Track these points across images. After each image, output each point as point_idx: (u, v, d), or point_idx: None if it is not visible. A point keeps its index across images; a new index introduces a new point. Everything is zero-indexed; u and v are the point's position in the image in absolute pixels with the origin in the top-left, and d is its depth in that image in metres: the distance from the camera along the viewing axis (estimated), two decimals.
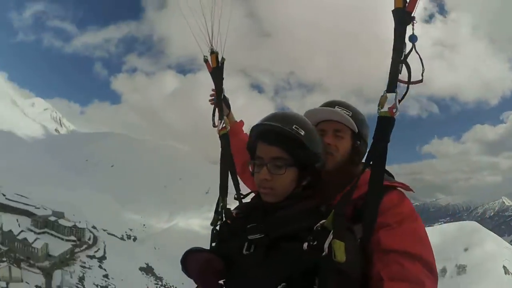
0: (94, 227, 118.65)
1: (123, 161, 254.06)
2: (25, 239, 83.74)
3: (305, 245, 1.40)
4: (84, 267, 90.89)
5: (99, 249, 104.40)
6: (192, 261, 1.70)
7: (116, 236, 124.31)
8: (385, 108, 1.56)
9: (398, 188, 1.77)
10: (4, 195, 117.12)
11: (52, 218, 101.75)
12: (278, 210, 1.59)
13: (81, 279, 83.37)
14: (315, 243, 1.39)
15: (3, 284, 67.26)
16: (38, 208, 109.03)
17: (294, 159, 1.56)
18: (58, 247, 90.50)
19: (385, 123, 1.56)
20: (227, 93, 2.40)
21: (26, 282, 70.27)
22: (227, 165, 2.20)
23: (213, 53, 2.30)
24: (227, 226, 1.86)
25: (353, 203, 1.64)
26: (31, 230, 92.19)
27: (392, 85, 1.55)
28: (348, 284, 1.37)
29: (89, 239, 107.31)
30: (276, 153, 1.56)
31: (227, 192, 2.13)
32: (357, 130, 1.91)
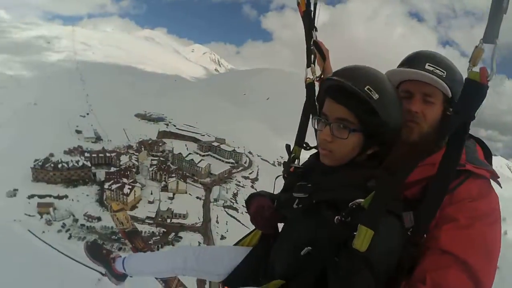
0: (250, 153, 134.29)
1: (277, 94, 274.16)
2: (192, 160, 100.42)
3: (337, 218, 1.39)
4: (238, 185, 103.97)
5: (252, 171, 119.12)
6: (251, 204, 1.99)
7: (268, 162, 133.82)
8: (477, 68, 1.32)
9: (486, 178, 1.56)
10: (174, 126, 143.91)
11: (215, 144, 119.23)
12: (332, 174, 1.55)
13: (235, 195, 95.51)
14: (347, 219, 1.36)
15: (170, 194, 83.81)
16: (203, 135, 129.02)
17: (360, 124, 1.46)
18: (219, 167, 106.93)
19: (473, 89, 1.34)
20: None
21: (189, 194, 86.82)
22: (307, 116, 2.11)
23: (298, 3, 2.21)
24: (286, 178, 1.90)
25: (423, 183, 1.54)
26: (197, 153, 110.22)
27: (491, 32, 1.26)
28: (365, 276, 1.32)
29: (245, 162, 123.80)
30: (342, 114, 1.48)
31: (303, 144, 2.09)
32: (450, 95, 1.66)
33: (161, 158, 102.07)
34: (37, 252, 61.65)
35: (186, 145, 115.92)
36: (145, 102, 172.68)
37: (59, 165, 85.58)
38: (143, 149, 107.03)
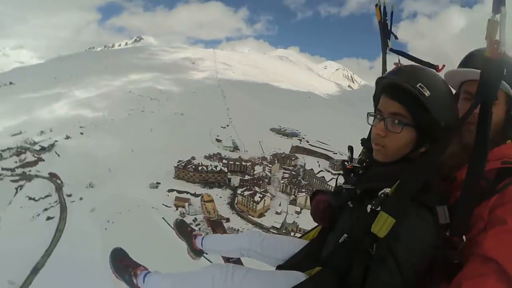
0: None
1: None
2: (323, 177, 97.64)
3: (369, 207, 1.48)
4: None
5: None
6: (312, 199, 2.23)
7: None
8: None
9: None
10: (307, 141, 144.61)
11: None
12: (382, 168, 1.63)
13: None
14: (377, 208, 1.43)
15: (298, 209, 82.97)
16: (336, 153, 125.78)
17: (413, 119, 1.53)
18: None
19: (487, 68, 1.34)
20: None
21: None
22: None
23: (377, 5, 2.26)
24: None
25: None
26: (328, 171, 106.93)
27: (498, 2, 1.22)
28: (389, 264, 1.38)
29: None
30: (396, 109, 1.56)
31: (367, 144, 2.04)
32: None
33: (293, 172, 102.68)
34: (167, 237, 68.97)
35: (318, 161, 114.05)
36: (280, 117, 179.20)
37: (199, 168, 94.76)
38: (276, 161, 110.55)
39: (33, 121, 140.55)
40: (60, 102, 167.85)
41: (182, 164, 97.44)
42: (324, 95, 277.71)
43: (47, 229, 72.04)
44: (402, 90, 1.53)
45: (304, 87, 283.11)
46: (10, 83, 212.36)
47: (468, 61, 1.76)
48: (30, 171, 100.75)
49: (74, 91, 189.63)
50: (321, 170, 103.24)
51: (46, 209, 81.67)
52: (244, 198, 79.41)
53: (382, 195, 1.44)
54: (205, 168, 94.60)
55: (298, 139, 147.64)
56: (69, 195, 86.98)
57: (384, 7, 2.23)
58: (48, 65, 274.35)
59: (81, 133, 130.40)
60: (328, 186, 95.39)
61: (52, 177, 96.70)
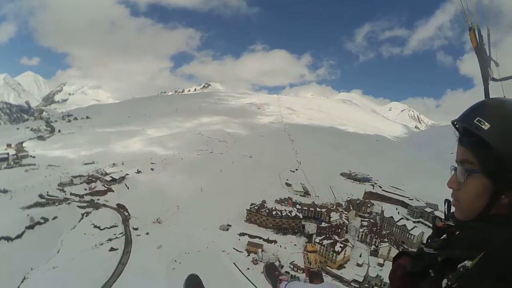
0: None
1: None
2: (404, 225, 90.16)
3: (444, 282, 1.27)
4: None
5: None
6: (394, 261, 1.90)
7: None
8: None
9: None
10: (380, 187, 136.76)
11: (428, 209, 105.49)
12: (463, 229, 1.42)
13: None
14: (454, 285, 1.22)
15: (380, 260, 75.83)
16: (412, 199, 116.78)
17: (479, 164, 1.31)
18: None
19: None
20: None
21: None
22: None
23: (470, 29, 1.99)
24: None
25: None
26: (407, 219, 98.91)
27: None
28: None
29: None
30: (462, 155, 1.38)
31: None
32: None
33: (371, 220, 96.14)
34: (237, 283, 65.94)
35: (397, 208, 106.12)
36: (349, 161, 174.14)
37: (273, 212, 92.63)
38: (351, 208, 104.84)
39: (107, 154, 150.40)
40: (133, 139, 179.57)
41: (255, 207, 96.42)
42: (392, 138, 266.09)
43: (109, 260, 72.00)
44: (464, 132, 1.37)
45: (371, 130, 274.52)
46: (87, 117, 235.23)
47: None
48: (98, 199, 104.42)
49: (146, 129, 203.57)
50: (402, 218, 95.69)
51: (110, 240, 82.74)
52: (323, 247, 75.06)
53: (461, 269, 1.20)
54: (279, 213, 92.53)
55: (371, 184, 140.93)
56: (136, 229, 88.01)
57: (479, 31, 1.94)
58: (123, 105, 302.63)
59: (152, 169, 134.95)
60: (410, 236, 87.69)
61: (120, 208, 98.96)
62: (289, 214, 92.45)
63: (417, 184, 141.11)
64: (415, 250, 1.82)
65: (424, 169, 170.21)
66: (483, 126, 1.27)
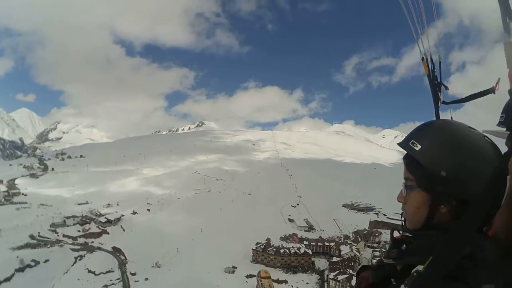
0: None
1: None
2: None
3: (402, 287, 1.42)
4: None
5: None
6: (358, 275, 1.96)
7: None
8: None
9: None
10: (385, 215, 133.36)
11: None
12: (416, 238, 1.53)
13: None
14: None
15: None
16: None
17: (416, 180, 1.48)
18: None
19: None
20: None
21: None
22: None
23: (423, 59, 2.20)
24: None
25: None
26: None
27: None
28: None
29: None
30: (404, 173, 1.55)
31: None
32: None
33: (383, 249, 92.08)
34: None
35: None
36: (350, 191, 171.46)
37: (281, 250, 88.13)
38: (359, 239, 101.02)
39: (101, 194, 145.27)
40: (129, 179, 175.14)
41: (261, 246, 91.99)
42: (389, 164, 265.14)
43: None
44: (406, 153, 1.52)
45: (367, 159, 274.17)
46: (81, 156, 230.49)
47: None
48: (92, 242, 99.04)
49: (142, 169, 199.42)
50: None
51: (106, 286, 77.75)
52: (338, 283, 70.61)
53: (415, 274, 1.31)
54: (287, 250, 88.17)
55: (375, 213, 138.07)
56: (133, 274, 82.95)
57: (431, 59, 2.13)
58: (117, 144, 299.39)
59: (148, 210, 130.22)
60: None
61: (116, 251, 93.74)
62: (297, 251, 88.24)
63: None
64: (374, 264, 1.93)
65: None
66: (415, 148, 1.44)
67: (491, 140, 1.43)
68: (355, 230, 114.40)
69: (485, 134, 1.45)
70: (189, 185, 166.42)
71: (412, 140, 1.46)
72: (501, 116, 1.64)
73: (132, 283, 79.35)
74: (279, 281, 79.07)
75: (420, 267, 1.28)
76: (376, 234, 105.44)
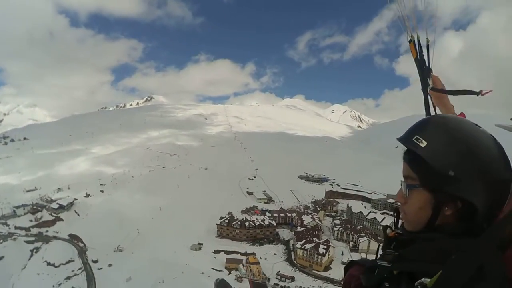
0: None
1: None
2: (374, 218, 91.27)
3: None
4: None
5: None
6: (347, 272, 1.89)
7: None
8: None
9: None
10: (339, 185, 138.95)
11: (390, 200, 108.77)
12: (411, 242, 1.42)
13: None
14: None
15: (363, 254, 75.31)
16: (370, 193, 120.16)
17: (419, 179, 1.38)
18: None
19: None
20: None
21: None
22: None
23: (410, 42, 2.19)
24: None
25: None
26: (374, 212, 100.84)
27: None
28: None
29: None
30: (405, 171, 1.46)
31: None
32: None
33: (342, 217, 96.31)
34: None
35: (362, 203, 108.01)
36: (303, 164, 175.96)
37: (246, 223, 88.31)
38: (318, 209, 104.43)
39: (50, 177, 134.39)
40: (78, 159, 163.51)
41: (226, 220, 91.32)
42: (339, 138, 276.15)
43: None
44: (406, 150, 1.43)
45: (318, 133, 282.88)
46: (25, 138, 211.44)
47: None
48: (47, 231, 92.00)
49: (91, 148, 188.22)
50: (370, 212, 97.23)
51: (69, 278, 72.38)
52: (305, 252, 72.49)
53: (419, 286, 1.17)
54: (252, 223, 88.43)
55: (329, 184, 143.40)
56: (95, 261, 78.42)
57: (419, 42, 2.07)
58: (62, 123, 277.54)
59: (102, 191, 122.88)
60: (381, 227, 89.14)
61: (73, 239, 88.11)
62: (262, 223, 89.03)
63: (372, 178, 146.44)
64: (364, 258, 1.82)
65: (373, 163, 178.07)
66: (420, 144, 1.33)
67: (495, 138, 1.34)
68: (313, 200, 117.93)
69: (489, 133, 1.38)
70: (142, 163, 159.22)
71: (416, 136, 1.36)
72: None
73: (95, 272, 74.57)
74: (246, 254, 79.26)
75: (425, 280, 1.15)
76: (334, 204, 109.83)
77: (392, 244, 1.51)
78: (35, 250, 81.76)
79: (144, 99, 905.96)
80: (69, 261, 78.09)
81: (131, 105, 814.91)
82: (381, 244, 1.64)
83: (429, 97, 2.12)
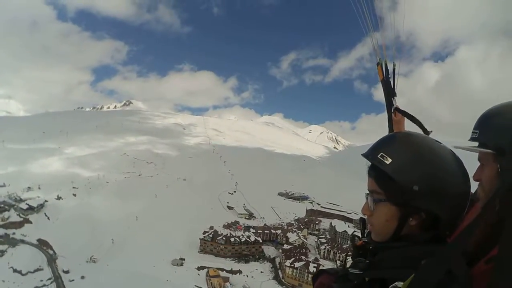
0: None
1: None
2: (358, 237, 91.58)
3: None
4: None
5: None
6: (315, 281, 1.86)
7: None
8: None
9: None
10: (318, 204, 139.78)
11: None
12: (379, 251, 1.48)
13: None
14: None
15: None
16: (350, 213, 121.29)
17: (385, 194, 1.43)
18: None
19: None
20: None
21: None
22: None
23: (378, 64, 2.35)
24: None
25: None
26: (357, 231, 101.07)
27: None
28: None
29: None
30: (370, 186, 1.50)
31: None
32: (504, 149, 1.48)
33: (327, 236, 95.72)
34: None
35: (345, 223, 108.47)
36: (282, 181, 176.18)
37: (232, 239, 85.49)
38: (301, 227, 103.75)
39: (20, 174, 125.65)
40: (50, 158, 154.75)
41: (210, 235, 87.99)
42: (317, 158, 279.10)
43: None
44: (370, 165, 1.48)
45: (296, 151, 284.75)
46: None
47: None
48: (14, 233, 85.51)
49: (64, 148, 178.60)
50: (354, 231, 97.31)
51: None
52: (295, 270, 70.70)
53: None
54: (237, 239, 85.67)
55: (309, 202, 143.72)
56: (66, 272, 73.20)
57: (386, 65, 2.23)
58: (35, 119, 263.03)
59: (74, 194, 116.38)
60: None
61: (42, 245, 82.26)
62: (248, 239, 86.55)
63: (350, 199, 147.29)
64: (332, 268, 1.87)
65: (350, 184, 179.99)
66: (385, 161, 1.37)
67: (455, 153, 1.43)
68: (296, 218, 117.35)
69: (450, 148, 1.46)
70: (118, 168, 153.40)
71: (381, 153, 1.40)
72: (473, 132, 1.54)
73: (67, 284, 69.16)
74: (233, 271, 76.49)
75: (399, 284, 1.20)
76: (316, 222, 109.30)
77: (359, 252, 1.56)
78: (0, 254, 75.37)
79: (123, 103, 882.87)
80: (37, 269, 72.63)
81: (108, 107, 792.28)
82: (349, 253, 1.70)
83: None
